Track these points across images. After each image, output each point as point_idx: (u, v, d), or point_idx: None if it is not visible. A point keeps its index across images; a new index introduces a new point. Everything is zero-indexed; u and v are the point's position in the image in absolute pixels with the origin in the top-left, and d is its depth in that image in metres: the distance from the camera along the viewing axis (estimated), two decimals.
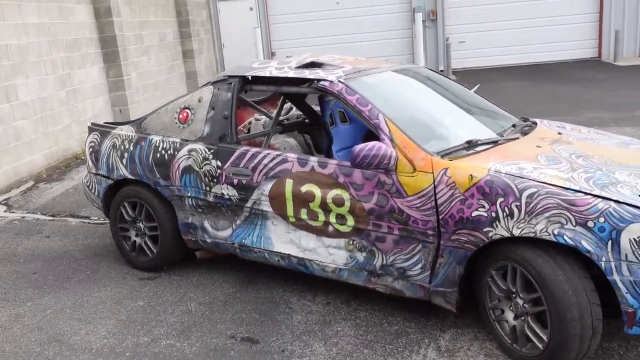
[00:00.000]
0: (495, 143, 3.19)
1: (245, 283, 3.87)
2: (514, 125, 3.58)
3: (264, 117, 4.49)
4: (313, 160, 3.29)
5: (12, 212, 5.60)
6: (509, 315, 2.83)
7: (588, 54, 14.59)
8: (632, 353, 2.87)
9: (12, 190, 6.28)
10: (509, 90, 11.53)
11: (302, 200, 3.31)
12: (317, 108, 4.44)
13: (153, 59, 10.77)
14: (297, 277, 3.82)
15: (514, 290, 2.77)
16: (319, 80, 3.40)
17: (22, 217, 5.46)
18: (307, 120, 4.52)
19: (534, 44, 14.57)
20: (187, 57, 12.48)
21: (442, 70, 14.58)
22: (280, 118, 4.73)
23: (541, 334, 2.68)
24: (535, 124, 3.76)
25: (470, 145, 3.09)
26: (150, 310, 3.57)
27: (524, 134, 3.46)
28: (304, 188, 3.28)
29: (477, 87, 4.16)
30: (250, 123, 4.73)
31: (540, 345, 2.68)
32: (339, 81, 3.34)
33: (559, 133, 3.53)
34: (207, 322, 3.39)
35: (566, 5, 14.27)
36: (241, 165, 3.53)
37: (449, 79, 4.18)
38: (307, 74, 3.50)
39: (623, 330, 2.56)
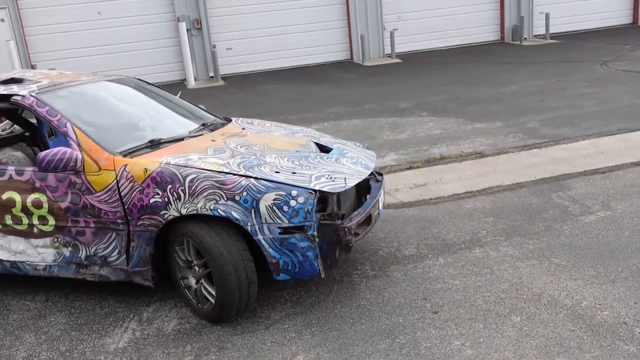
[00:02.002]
0: (179, 140, 3.75)
1: None
2: (204, 125, 4.19)
3: None
4: (10, 169, 3.56)
5: None
6: (192, 281, 3.41)
7: (341, 56, 16.31)
8: (295, 297, 3.64)
9: None
10: (271, 92, 12.54)
11: (4, 207, 3.55)
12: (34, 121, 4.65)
13: None
14: (20, 281, 4.02)
15: (191, 259, 3.35)
16: (11, 95, 3.67)
17: None
18: (27, 133, 4.70)
19: (296, 49, 15.89)
20: None
21: (211, 77, 15.22)
22: (3, 133, 4.85)
23: (212, 291, 3.30)
24: (230, 121, 4.43)
25: (153, 143, 3.62)
26: None
27: (212, 130, 4.08)
28: (5, 195, 3.54)
29: (179, 93, 4.72)
30: None
31: (212, 301, 3.30)
32: (31, 95, 3.65)
33: (243, 128, 4.23)
34: None
35: (319, 13, 15.82)
36: None
37: (156, 87, 4.69)
38: (1, 90, 3.74)
39: (273, 277, 3.29)
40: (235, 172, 3.26)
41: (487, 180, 5.66)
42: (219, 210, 3.18)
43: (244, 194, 3.17)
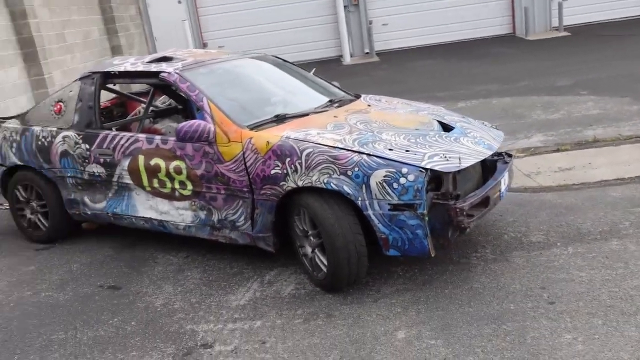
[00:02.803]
0: (304, 115, 3.93)
1: (125, 246, 4.57)
2: (331, 101, 4.32)
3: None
4: (157, 138, 3.99)
5: None
6: (308, 250, 3.59)
7: (504, 30, 15.54)
8: (408, 274, 3.68)
9: None
10: (422, 68, 12.39)
11: (152, 171, 4.01)
12: None
13: (78, 57, 11.25)
14: (168, 239, 4.51)
15: (306, 229, 3.53)
16: (159, 72, 4.10)
17: None
18: (180, 107, 5.21)
19: (454, 23, 15.45)
20: (115, 53, 12.94)
21: (367, 53, 15.38)
22: (162, 106, 5.43)
23: (324, 261, 3.45)
24: (358, 97, 4.53)
25: (279, 118, 3.83)
26: (38, 272, 4.26)
27: (338, 106, 4.21)
28: (153, 161, 3.99)
29: (314, 70, 4.89)
30: (139, 112, 5.41)
31: (325, 270, 3.46)
32: (175, 72, 4.04)
33: (369, 105, 4.29)
34: (83, 278, 4.09)
35: None
36: (104, 147, 4.22)
37: (290, 63, 4.91)
38: (153, 67, 4.19)
39: (383, 252, 3.36)
40: (349, 148, 3.35)
41: None
42: (331, 184, 3.31)
43: (356, 169, 3.26)
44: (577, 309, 3.11)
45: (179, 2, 15.51)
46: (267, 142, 3.54)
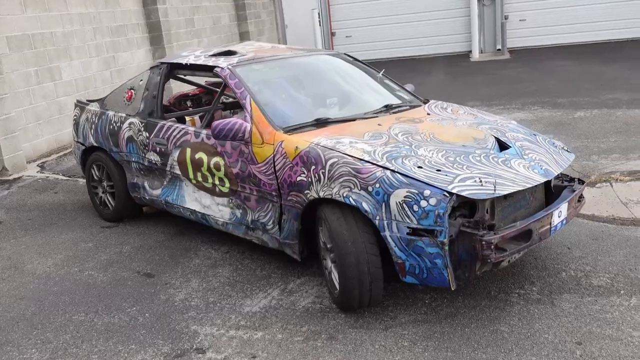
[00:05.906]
0: (347, 121, 3.72)
1: (176, 234, 4.69)
2: (387, 106, 4.06)
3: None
4: (203, 132, 4.01)
5: (42, 173, 6.81)
6: (329, 264, 3.41)
7: None
8: (434, 303, 3.37)
9: (51, 155, 7.54)
10: (552, 69, 11.44)
11: (197, 165, 4.05)
12: None
13: (205, 41, 11.79)
14: (216, 231, 4.55)
15: (327, 242, 3.34)
16: (214, 66, 4.10)
17: (47, 177, 6.64)
18: None
19: (599, 22, 14.17)
20: (243, 39, 13.41)
21: (498, 50, 14.52)
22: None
23: (338, 278, 3.25)
24: (425, 103, 4.24)
25: (319, 122, 3.67)
26: (94, 250, 4.50)
27: (392, 113, 3.95)
28: (197, 155, 4.02)
29: (382, 72, 4.61)
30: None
31: (338, 287, 3.26)
32: (227, 68, 4.02)
33: (428, 114, 3.98)
34: (127, 261, 4.25)
35: None
36: (160, 136, 4.33)
37: (361, 63, 4.68)
38: (211, 61, 4.20)
39: (400, 279, 3.10)
40: (375, 162, 3.11)
41: None
42: (350, 199, 3.10)
43: (377, 185, 3.02)
44: None
45: None
46: (296, 147, 3.40)
